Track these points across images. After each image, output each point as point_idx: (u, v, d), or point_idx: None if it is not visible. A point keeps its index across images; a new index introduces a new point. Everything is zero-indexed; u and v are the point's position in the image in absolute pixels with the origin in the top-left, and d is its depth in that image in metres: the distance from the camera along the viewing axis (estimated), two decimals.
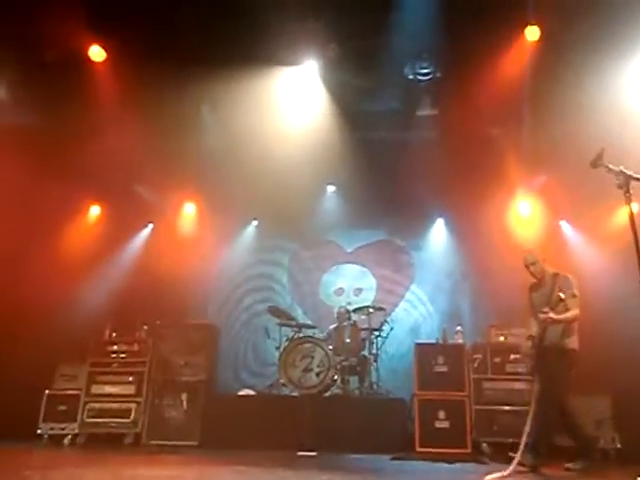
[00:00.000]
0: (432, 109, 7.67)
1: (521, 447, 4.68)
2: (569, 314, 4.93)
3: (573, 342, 5.02)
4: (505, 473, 4.48)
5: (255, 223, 9.44)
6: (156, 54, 6.27)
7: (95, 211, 8.73)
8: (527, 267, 5.22)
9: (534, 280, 5.28)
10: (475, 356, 6.82)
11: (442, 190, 7.89)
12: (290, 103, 7.25)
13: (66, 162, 6.93)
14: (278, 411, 6.68)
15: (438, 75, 7.09)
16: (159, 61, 6.24)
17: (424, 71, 7.04)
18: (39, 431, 6.74)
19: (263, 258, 9.50)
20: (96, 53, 6.79)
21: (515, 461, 4.62)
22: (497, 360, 6.80)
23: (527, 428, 4.73)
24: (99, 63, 6.84)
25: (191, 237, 8.84)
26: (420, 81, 7.14)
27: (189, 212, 9.08)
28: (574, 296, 4.94)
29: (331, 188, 9.17)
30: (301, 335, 7.50)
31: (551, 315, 4.86)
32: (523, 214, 8.34)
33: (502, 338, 7.19)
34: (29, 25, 5.80)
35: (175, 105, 6.77)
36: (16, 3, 5.67)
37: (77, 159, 6.84)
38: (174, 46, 6.27)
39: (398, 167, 7.63)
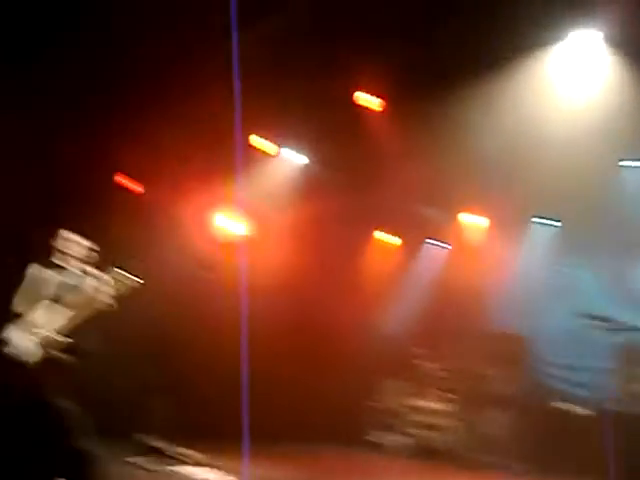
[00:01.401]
0: None
1: None
2: None
3: None
4: None
5: (541, 222, 8.79)
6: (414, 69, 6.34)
7: (380, 235, 9.06)
8: None
9: None
10: None
11: None
12: (563, 82, 6.64)
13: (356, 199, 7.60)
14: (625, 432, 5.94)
15: None
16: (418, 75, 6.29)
17: None
18: (369, 438, 7.28)
19: (562, 260, 8.72)
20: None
21: None
22: None
23: None
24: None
25: (477, 247, 8.70)
26: None
27: (470, 221, 8.97)
28: None
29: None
30: None
31: None
32: None
33: None
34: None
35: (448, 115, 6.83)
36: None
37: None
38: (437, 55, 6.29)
39: None
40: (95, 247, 4.68)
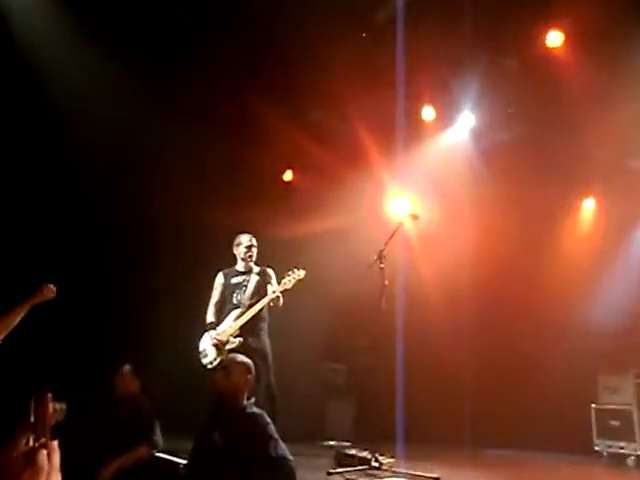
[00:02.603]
0: None
1: None
2: None
3: None
4: None
5: None
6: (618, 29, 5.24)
7: (589, 205, 7.58)
8: None
9: None
10: None
11: None
12: None
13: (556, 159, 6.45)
14: None
15: None
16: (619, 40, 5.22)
17: None
18: (596, 448, 6.18)
19: None
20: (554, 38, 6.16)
21: None
22: None
23: None
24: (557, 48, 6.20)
25: None
26: None
27: None
28: None
29: None
30: None
31: None
32: None
33: None
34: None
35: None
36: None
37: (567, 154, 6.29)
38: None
39: None
40: (265, 248, 4.86)
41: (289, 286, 4.46)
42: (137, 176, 6.28)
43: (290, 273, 4.55)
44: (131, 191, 6.25)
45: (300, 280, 4.47)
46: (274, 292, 4.58)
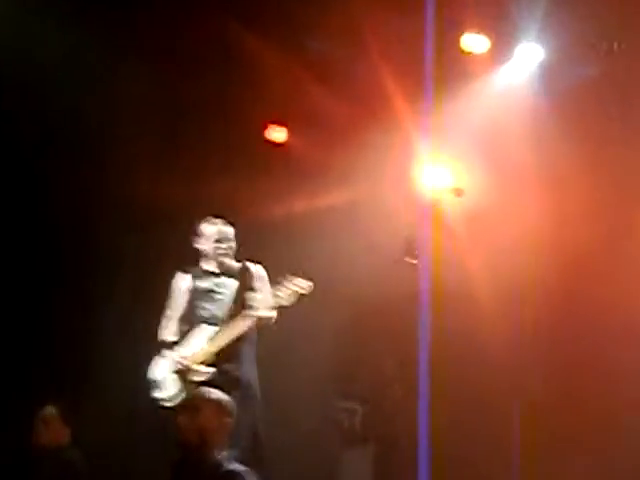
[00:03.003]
0: None
1: None
2: None
3: None
4: None
5: None
6: None
7: None
8: None
9: None
10: None
11: None
12: None
13: None
14: None
15: None
16: None
17: None
18: None
19: None
20: None
21: None
22: None
23: None
24: None
25: None
26: None
27: None
28: None
29: None
30: None
31: None
32: None
33: None
34: None
35: None
36: None
37: None
38: None
39: None
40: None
41: (286, 302, 3.72)
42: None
43: (288, 283, 3.78)
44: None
45: (303, 295, 3.72)
46: (258, 314, 3.70)
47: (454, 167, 5.06)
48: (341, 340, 5.27)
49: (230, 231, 3.92)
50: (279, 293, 3.77)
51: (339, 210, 5.30)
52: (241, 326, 3.79)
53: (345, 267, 4.99)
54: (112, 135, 5.17)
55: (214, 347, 3.77)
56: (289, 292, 3.71)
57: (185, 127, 5.38)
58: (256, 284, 3.90)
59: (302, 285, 3.71)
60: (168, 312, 3.96)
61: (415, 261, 4.10)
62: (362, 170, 5.27)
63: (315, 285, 3.79)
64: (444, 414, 4.65)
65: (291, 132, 5.73)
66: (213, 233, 3.90)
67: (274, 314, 3.74)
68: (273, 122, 5.63)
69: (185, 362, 3.79)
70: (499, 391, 4.94)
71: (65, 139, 5.05)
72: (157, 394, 3.88)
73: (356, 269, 4.98)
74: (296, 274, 3.73)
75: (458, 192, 4.45)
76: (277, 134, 5.64)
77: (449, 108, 5.08)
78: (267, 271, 3.91)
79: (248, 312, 3.78)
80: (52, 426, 3.87)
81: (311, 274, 3.79)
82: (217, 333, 3.80)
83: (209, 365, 3.75)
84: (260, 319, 3.75)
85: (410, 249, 4.34)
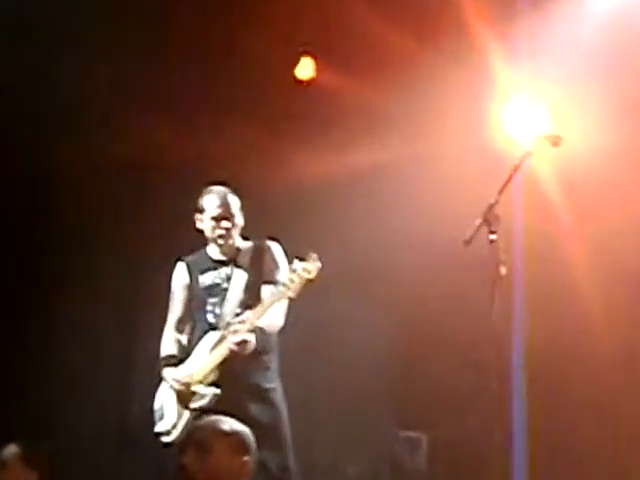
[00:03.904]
0: None
1: None
2: None
3: None
4: None
5: None
6: None
7: None
8: None
9: None
10: None
11: None
12: None
13: None
14: None
15: None
16: None
17: None
18: None
19: None
20: None
21: None
22: None
23: None
24: None
25: None
26: None
27: None
28: None
29: None
30: None
31: None
32: None
33: None
34: None
35: None
36: None
37: None
38: None
39: None
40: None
41: (293, 294, 3.07)
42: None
43: (294, 265, 3.09)
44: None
45: (310, 280, 3.03)
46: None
47: (548, 108, 3.82)
48: (396, 353, 4.13)
49: (234, 203, 3.24)
50: (286, 281, 3.11)
51: (386, 171, 4.15)
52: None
53: (396, 250, 3.92)
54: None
55: (217, 359, 3.13)
56: (293, 276, 3.05)
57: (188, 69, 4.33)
58: (270, 273, 3.24)
59: (307, 265, 3.03)
60: (169, 317, 3.41)
61: (494, 237, 2.96)
62: (417, 115, 4.09)
63: (356, 276, 3.06)
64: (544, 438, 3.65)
65: (319, 66, 4.57)
66: (212, 207, 3.21)
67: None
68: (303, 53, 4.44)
69: (184, 381, 3.15)
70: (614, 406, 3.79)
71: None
72: (158, 427, 3.27)
73: (411, 253, 3.90)
74: (326, 260, 3.00)
75: (555, 141, 3.27)
76: (303, 69, 4.47)
77: (544, 28, 3.96)
78: (289, 252, 3.17)
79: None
80: (13, 472, 3.15)
81: (348, 259, 2.88)
82: (221, 342, 3.16)
83: (212, 384, 3.13)
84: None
85: (489, 222, 3.25)
